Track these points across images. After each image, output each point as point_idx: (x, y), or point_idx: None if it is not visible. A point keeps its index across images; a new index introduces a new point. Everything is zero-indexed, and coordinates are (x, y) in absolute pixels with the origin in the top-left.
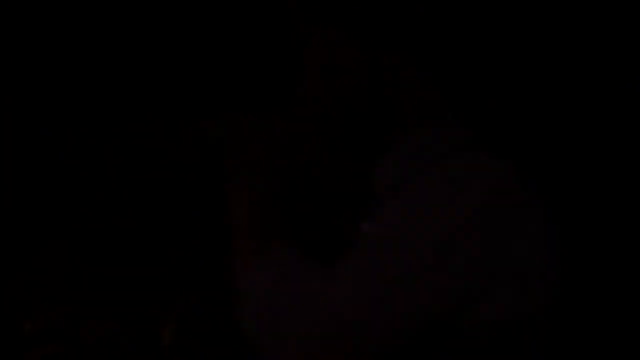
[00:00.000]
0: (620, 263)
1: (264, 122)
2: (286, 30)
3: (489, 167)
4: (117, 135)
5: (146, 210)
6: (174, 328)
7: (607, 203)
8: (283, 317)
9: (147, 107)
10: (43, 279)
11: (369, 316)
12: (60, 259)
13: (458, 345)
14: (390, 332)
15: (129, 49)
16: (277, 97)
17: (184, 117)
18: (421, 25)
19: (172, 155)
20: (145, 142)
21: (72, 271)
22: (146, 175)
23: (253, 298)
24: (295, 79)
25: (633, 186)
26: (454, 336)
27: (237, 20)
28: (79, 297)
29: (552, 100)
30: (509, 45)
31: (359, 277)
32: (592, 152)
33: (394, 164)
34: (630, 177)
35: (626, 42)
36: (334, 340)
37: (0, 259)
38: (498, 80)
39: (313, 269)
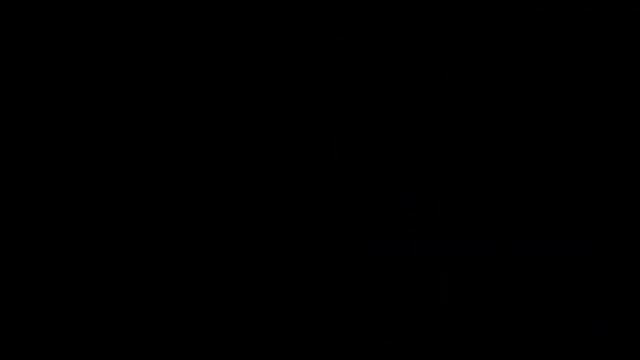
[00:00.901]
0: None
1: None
2: (287, 31)
3: None
4: (118, 135)
5: (147, 210)
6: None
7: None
8: None
9: (148, 108)
10: (44, 280)
11: None
12: (61, 259)
13: None
14: None
15: (129, 49)
16: (277, 98)
17: (184, 118)
18: (421, 25)
19: (172, 155)
20: (146, 142)
21: (73, 271)
22: (147, 176)
23: None
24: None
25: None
26: None
27: (237, 21)
28: (81, 298)
29: (552, 100)
30: (509, 44)
31: None
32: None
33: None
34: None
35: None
36: None
37: (1, 256)
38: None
39: None
